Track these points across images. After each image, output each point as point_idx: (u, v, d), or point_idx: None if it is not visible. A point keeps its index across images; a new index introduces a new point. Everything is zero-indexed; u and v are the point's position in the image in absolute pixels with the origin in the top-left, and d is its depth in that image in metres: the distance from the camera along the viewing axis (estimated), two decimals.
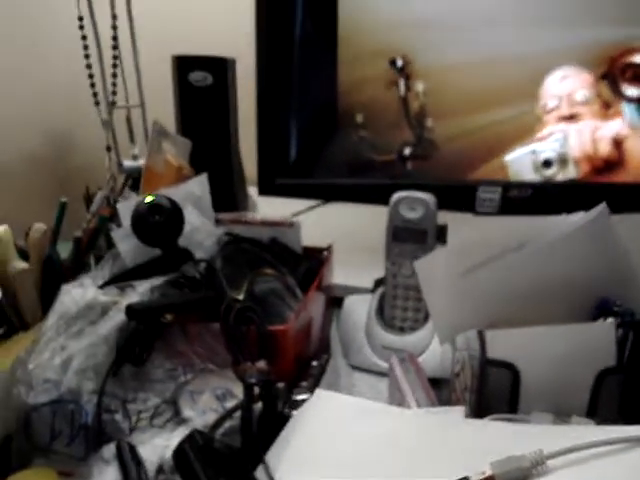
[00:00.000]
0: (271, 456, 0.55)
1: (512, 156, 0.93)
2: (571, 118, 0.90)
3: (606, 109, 0.90)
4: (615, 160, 0.92)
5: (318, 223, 0.93)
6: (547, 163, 0.92)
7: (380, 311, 0.85)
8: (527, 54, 0.90)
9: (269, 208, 1.04)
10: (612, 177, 0.92)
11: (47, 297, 0.72)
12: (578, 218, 0.59)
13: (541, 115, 0.91)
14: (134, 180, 1.14)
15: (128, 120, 1.18)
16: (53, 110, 1.42)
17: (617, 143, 0.91)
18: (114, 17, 1.10)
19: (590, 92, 0.89)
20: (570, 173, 0.92)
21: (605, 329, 0.56)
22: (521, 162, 0.92)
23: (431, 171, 0.96)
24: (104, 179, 1.16)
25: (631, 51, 0.89)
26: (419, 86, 0.93)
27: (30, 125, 1.40)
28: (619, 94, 0.89)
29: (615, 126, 0.90)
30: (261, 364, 0.61)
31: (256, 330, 0.65)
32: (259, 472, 0.53)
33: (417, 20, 0.91)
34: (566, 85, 0.90)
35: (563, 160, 0.92)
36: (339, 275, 0.94)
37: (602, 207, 0.58)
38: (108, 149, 1.15)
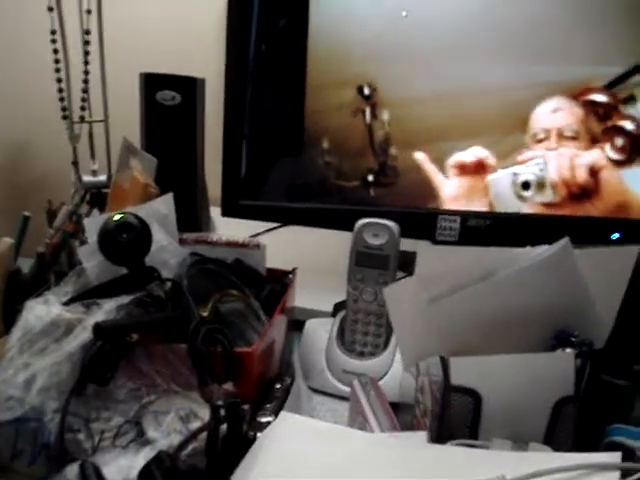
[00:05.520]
0: (236, 478, 0.55)
1: (494, 176, 0.96)
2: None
3: (593, 144, 0.94)
4: (591, 188, 0.95)
5: (276, 245, 0.92)
6: (526, 185, 0.95)
7: (341, 335, 0.86)
8: (493, 87, 0.93)
9: (227, 229, 1.04)
10: (587, 204, 0.95)
11: (9, 311, 0.70)
12: (542, 250, 0.61)
13: (529, 142, 0.94)
14: (92, 195, 1.14)
15: (90, 135, 1.17)
16: (11, 120, 1.40)
17: (593, 172, 0.94)
18: (87, 32, 1.08)
19: (579, 127, 0.93)
20: (547, 197, 0.95)
21: (565, 359, 0.58)
22: (502, 182, 0.95)
23: (393, 198, 0.98)
24: (61, 192, 1.15)
25: (590, 89, 0.93)
26: (385, 115, 0.95)
27: None
28: None
29: (593, 155, 0.94)
30: (228, 386, 0.62)
31: (222, 352, 0.65)
32: None
33: (386, 52, 0.93)
34: (556, 119, 0.93)
35: (541, 184, 0.94)
36: (299, 297, 0.94)
37: (565, 241, 0.60)
38: (74, 164, 1.14)
